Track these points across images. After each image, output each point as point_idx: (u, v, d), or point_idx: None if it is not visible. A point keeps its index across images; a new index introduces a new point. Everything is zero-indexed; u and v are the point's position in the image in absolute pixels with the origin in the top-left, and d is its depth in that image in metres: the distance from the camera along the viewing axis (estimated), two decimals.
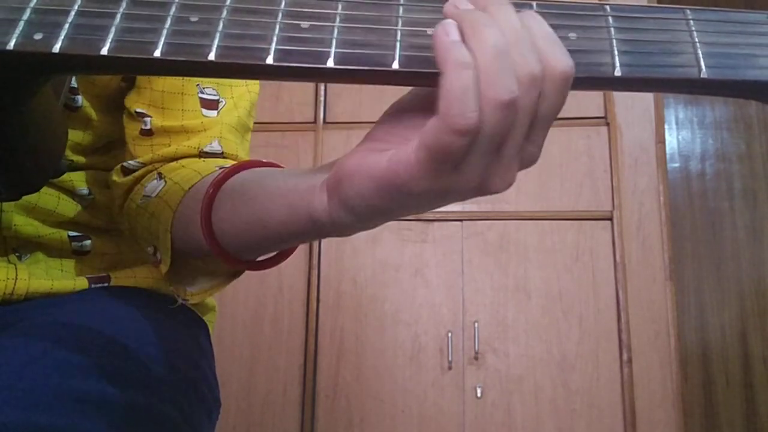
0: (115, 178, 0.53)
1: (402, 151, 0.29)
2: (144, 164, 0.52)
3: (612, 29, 0.28)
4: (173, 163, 0.51)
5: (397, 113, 0.32)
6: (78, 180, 0.52)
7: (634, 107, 1.65)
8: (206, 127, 0.53)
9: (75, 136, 0.52)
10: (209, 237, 0.42)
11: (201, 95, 0.53)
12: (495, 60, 0.27)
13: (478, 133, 0.27)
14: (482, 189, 0.30)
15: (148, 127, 0.52)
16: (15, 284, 0.46)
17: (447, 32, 0.27)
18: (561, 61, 0.27)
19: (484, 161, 0.29)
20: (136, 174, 0.52)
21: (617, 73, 0.27)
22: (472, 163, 0.28)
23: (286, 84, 1.71)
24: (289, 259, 0.47)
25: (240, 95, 0.55)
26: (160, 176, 0.50)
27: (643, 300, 1.53)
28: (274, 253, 0.44)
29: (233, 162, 0.52)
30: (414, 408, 1.50)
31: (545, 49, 0.28)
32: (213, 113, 0.54)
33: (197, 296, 0.51)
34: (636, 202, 1.59)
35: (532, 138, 0.30)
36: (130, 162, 0.52)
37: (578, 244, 1.57)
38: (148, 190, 0.50)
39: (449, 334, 1.53)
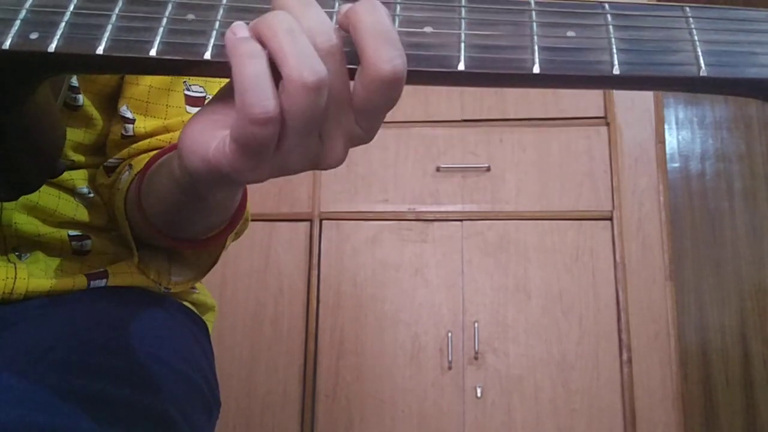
0: (101, 181, 0.53)
1: (220, 143, 0.29)
2: (122, 159, 0.53)
3: (611, 27, 0.28)
4: (144, 155, 0.52)
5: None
6: (78, 179, 0.52)
7: (634, 107, 1.65)
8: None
9: (76, 135, 0.52)
10: (142, 217, 0.44)
11: (187, 92, 0.53)
12: (289, 41, 0.26)
13: (281, 119, 0.27)
14: (314, 165, 0.30)
15: (130, 133, 0.53)
16: (14, 283, 0.46)
17: (234, 31, 0.27)
18: (384, 60, 0.27)
19: (305, 143, 0.28)
20: (117, 170, 0.53)
21: (615, 71, 0.27)
22: (292, 147, 0.28)
23: None
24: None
25: None
26: (130, 168, 0.51)
27: (643, 300, 1.53)
28: (217, 229, 0.46)
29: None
30: (414, 408, 1.50)
31: (369, 43, 0.27)
32: (197, 110, 0.54)
33: (180, 285, 0.51)
34: (636, 202, 1.59)
35: (360, 122, 0.29)
36: (110, 161, 0.53)
37: (578, 244, 1.56)
38: (120, 183, 0.51)
39: (449, 334, 1.53)
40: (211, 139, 0.30)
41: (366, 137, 0.30)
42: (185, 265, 0.52)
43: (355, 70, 0.28)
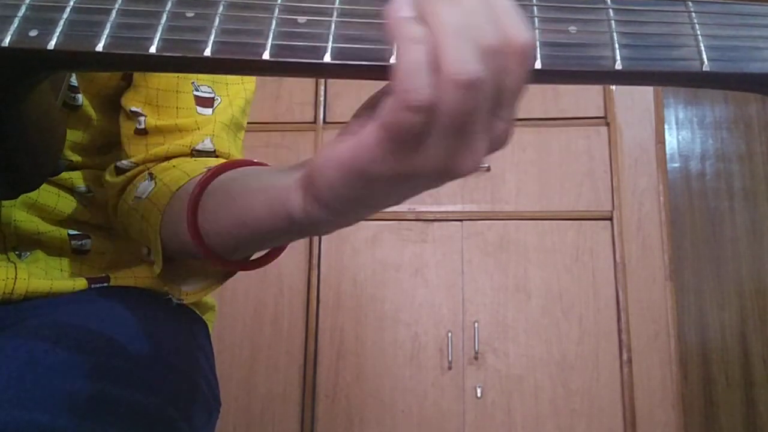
0: (108, 177, 0.53)
1: (362, 134, 0.28)
2: (137, 164, 0.52)
3: (612, 22, 0.27)
4: (165, 163, 0.51)
5: (373, 103, 0.32)
6: (77, 178, 0.52)
7: (634, 107, 1.65)
8: (200, 125, 0.53)
9: (75, 135, 0.52)
10: (196, 238, 0.42)
11: (196, 93, 0.53)
12: (453, 37, 0.26)
13: (434, 110, 0.26)
14: (449, 172, 0.29)
15: (143, 126, 0.52)
16: (14, 284, 0.46)
17: (397, 9, 0.27)
18: (521, 34, 0.26)
19: (447, 142, 0.28)
20: (129, 174, 0.52)
21: (618, 66, 0.27)
22: (434, 144, 0.27)
23: (286, 83, 1.71)
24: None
25: (235, 93, 0.55)
26: (151, 177, 0.50)
27: (643, 300, 1.53)
28: (262, 253, 0.44)
29: (224, 161, 0.52)
30: (414, 408, 1.50)
31: (505, 21, 0.27)
32: (208, 111, 0.53)
33: (192, 296, 0.51)
34: (636, 202, 1.59)
35: (499, 114, 0.28)
36: (123, 162, 0.52)
37: (578, 244, 1.56)
38: (140, 191, 0.50)
39: (449, 334, 1.53)
40: (344, 146, 0.29)
41: (506, 134, 0.29)
42: (201, 276, 0.51)
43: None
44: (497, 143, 0.29)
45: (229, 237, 0.41)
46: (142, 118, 0.52)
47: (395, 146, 0.27)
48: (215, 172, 0.44)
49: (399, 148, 0.27)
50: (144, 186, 0.49)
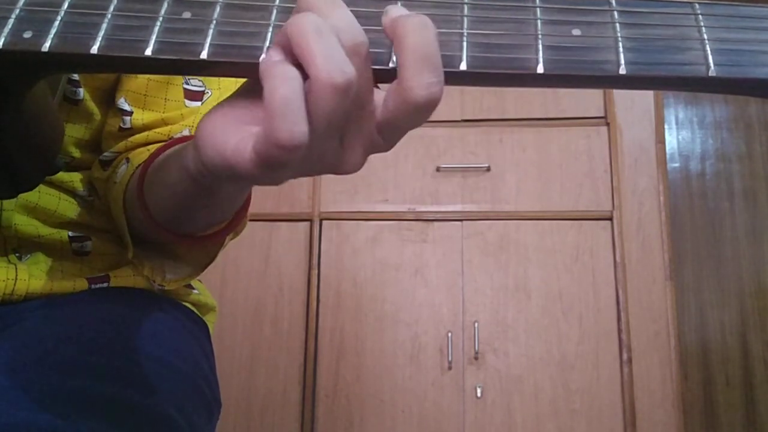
0: (96, 175, 0.52)
1: (242, 143, 0.28)
2: (118, 153, 0.52)
3: (617, 25, 0.27)
4: (141, 148, 0.51)
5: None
6: (78, 181, 0.52)
7: (634, 107, 1.65)
8: (185, 116, 0.52)
9: (77, 131, 0.51)
10: (144, 210, 0.43)
11: (186, 86, 0.53)
12: (319, 42, 0.25)
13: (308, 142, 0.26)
14: (332, 170, 0.30)
15: (128, 126, 0.52)
16: (15, 284, 0.46)
17: (271, 54, 0.26)
18: (422, 86, 0.26)
19: (324, 147, 0.28)
20: (113, 164, 0.52)
21: (622, 71, 0.26)
22: (312, 150, 0.27)
23: None
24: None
25: (227, 86, 0.54)
26: (127, 161, 0.50)
27: (643, 300, 1.53)
28: (218, 227, 0.45)
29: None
30: (414, 408, 1.50)
31: (410, 64, 0.26)
32: (196, 104, 0.53)
33: (173, 283, 0.51)
34: (636, 202, 1.59)
35: (382, 133, 0.29)
36: (105, 154, 0.52)
37: (578, 244, 1.56)
38: (117, 177, 0.50)
39: (449, 334, 1.52)
40: (231, 135, 0.28)
41: (385, 147, 0.30)
42: (180, 263, 0.51)
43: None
44: (376, 150, 0.29)
45: (163, 206, 0.42)
46: (127, 118, 0.51)
47: (271, 169, 0.27)
48: (165, 147, 0.45)
49: (275, 171, 0.27)
50: (121, 171, 0.50)
